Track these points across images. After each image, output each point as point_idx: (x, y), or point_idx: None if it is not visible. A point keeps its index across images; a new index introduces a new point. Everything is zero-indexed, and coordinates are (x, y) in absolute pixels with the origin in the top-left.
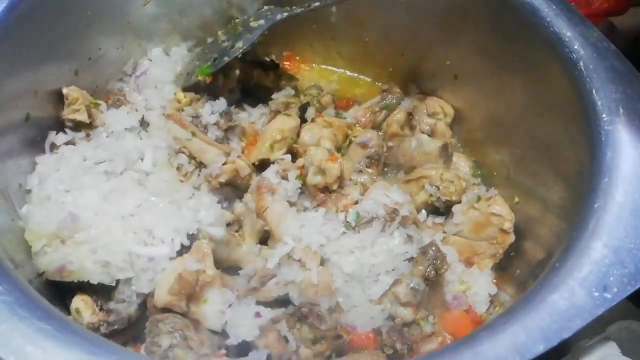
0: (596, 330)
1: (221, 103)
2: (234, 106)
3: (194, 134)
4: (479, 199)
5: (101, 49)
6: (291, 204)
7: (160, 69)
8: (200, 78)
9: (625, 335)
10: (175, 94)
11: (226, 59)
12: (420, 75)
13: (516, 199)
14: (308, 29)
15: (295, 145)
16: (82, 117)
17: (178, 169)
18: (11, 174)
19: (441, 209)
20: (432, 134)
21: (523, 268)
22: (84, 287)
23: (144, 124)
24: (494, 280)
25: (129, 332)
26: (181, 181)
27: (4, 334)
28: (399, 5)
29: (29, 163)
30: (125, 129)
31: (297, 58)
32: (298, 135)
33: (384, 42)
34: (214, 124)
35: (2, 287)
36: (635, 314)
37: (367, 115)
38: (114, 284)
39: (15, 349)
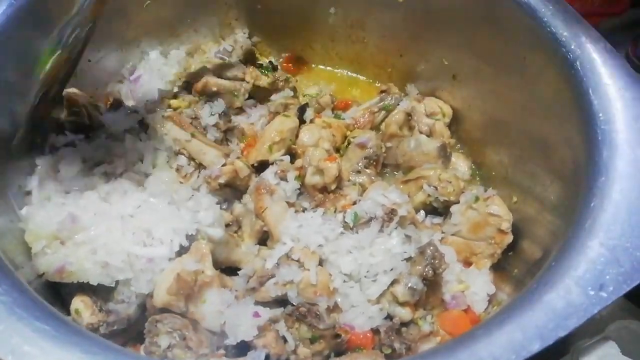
0: (596, 329)
1: (220, 104)
2: None
3: (193, 136)
4: (477, 199)
5: (100, 52)
6: (290, 205)
7: (158, 72)
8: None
9: (624, 335)
10: (169, 102)
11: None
12: (419, 75)
13: (514, 199)
14: (307, 30)
15: (294, 146)
16: (82, 119)
17: (177, 170)
18: (11, 175)
19: (439, 209)
20: (430, 134)
21: (521, 267)
22: (84, 288)
23: (143, 125)
24: (492, 280)
25: (129, 332)
26: (180, 182)
27: (2, 333)
28: (397, 6)
29: (29, 164)
30: (125, 130)
31: (296, 59)
32: (297, 136)
33: (383, 43)
34: (213, 125)
35: (1, 288)
36: (635, 313)
37: (366, 116)
38: (113, 285)
39: (13, 349)
